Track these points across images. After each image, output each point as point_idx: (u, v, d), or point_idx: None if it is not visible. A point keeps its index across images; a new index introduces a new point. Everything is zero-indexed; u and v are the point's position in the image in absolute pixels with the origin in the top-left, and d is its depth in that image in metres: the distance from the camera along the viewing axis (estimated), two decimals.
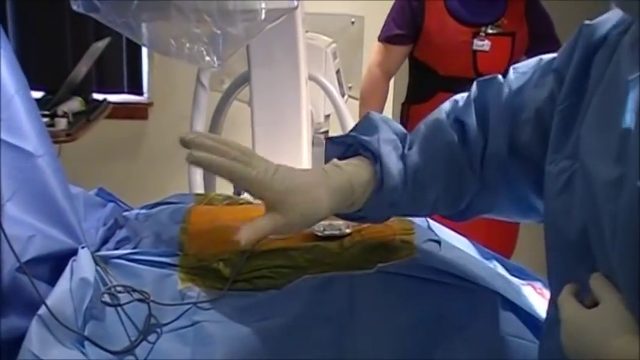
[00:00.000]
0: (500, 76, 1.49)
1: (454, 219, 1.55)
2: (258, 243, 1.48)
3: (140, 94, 4.59)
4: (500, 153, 1.45)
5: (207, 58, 1.31)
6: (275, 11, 1.39)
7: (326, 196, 1.38)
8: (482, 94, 1.50)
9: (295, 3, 1.44)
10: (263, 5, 1.35)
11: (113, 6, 1.31)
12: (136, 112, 4.52)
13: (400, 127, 1.54)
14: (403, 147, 1.50)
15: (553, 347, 1.22)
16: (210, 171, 1.37)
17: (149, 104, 4.58)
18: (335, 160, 1.46)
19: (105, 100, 4.14)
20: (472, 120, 1.48)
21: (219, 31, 1.30)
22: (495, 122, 1.47)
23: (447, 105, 1.54)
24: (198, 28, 1.30)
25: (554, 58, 1.40)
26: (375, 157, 1.45)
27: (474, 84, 1.52)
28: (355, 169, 1.44)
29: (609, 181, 1.11)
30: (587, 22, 1.31)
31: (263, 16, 1.35)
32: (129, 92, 4.54)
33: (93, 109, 3.90)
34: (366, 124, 1.52)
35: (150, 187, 1.83)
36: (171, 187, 2.12)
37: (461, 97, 1.54)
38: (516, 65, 1.49)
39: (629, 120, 1.09)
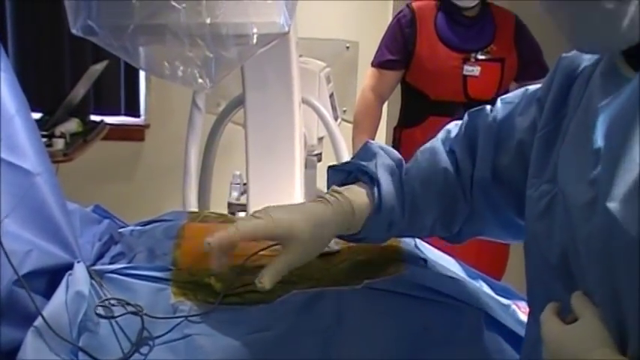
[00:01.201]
0: (488, 107, 1.54)
1: (450, 241, 1.60)
2: (248, 259, 1.51)
3: (137, 116, 4.60)
4: (485, 177, 1.50)
5: (200, 81, 1.33)
6: (266, 36, 1.40)
7: (329, 227, 1.45)
8: (472, 123, 1.55)
9: (286, 28, 1.45)
10: (255, 30, 1.37)
11: (111, 30, 1.33)
12: (133, 133, 4.53)
13: (397, 154, 1.58)
14: (400, 173, 1.55)
15: None
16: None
17: (146, 126, 4.59)
18: (335, 187, 1.51)
19: (102, 121, 4.15)
20: (462, 148, 1.53)
21: (211, 55, 1.32)
22: (482, 149, 1.51)
23: (441, 134, 1.59)
24: (191, 51, 1.31)
25: (538, 89, 1.43)
26: (372, 181, 1.50)
27: (466, 114, 1.56)
28: (354, 194, 1.49)
29: (584, 204, 1.14)
30: (565, 54, 1.35)
31: (255, 40, 1.37)
32: (126, 114, 4.54)
33: (90, 130, 3.91)
34: (364, 152, 1.57)
35: (145, 207, 1.84)
36: (167, 207, 2.12)
37: (454, 125, 1.58)
38: (504, 96, 1.53)
39: (598, 142, 1.13)
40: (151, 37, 1.34)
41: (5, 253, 1.29)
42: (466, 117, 1.57)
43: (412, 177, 1.55)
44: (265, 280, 1.36)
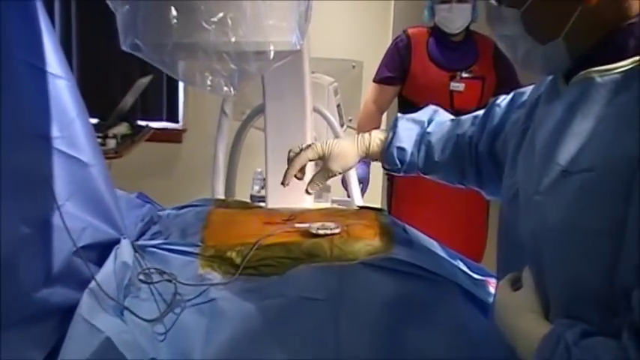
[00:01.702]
0: (502, 97, 1.59)
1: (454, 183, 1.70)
2: (264, 238, 1.55)
3: (176, 121, 4.60)
4: (484, 152, 1.56)
5: (225, 89, 1.34)
6: (281, 52, 1.40)
7: (352, 151, 1.67)
8: (489, 110, 1.59)
9: (298, 46, 1.46)
10: (272, 47, 1.37)
11: (153, 47, 1.33)
12: (172, 136, 4.52)
13: (432, 118, 1.72)
14: (423, 128, 1.69)
15: (496, 327, 1.24)
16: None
17: (183, 130, 4.59)
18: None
19: (147, 125, 4.15)
20: (478, 126, 1.60)
21: (235, 68, 1.32)
22: (486, 132, 1.56)
23: (468, 115, 1.67)
24: (218, 64, 1.32)
25: (526, 98, 1.45)
26: (393, 127, 1.66)
27: (486, 108, 1.62)
28: (375, 134, 1.70)
29: (526, 197, 1.16)
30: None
31: (272, 56, 1.37)
32: (167, 120, 4.55)
33: (137, 132, 3.92)
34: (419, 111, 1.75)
35: (180, 199, 1.86)
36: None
37: (475, 115, 1.65)
38: (517, 90, 1.55)
39: (535, 150, 1.15)
40: (185, 52, 1.34)
41: (67, 229, 1.30)
42: (488, 106, 1.62)
43: (433, 144, 1.65)
44: (313, 184, 1.67)
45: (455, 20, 3.51)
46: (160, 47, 1.32)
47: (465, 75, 3.52)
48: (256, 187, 3.15)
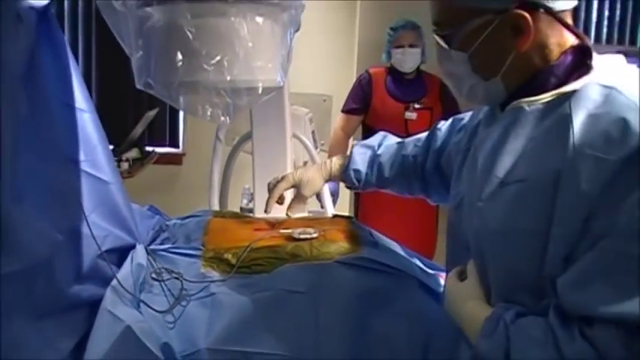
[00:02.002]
0: (442, 123, 1.62)
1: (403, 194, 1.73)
2: (255, 242, 1.55)
3: (177, 147, 4.57)
4: (431, 167, 1.58)
5: (222, 118, 1.35)
6: (268, 88, 1.41)
7: (318, 176, 1.71)
8: (431, 134, 1.63)
9: (282, 83, 1.47)
10: (260, 84, 1.38)
11: (162, 85, 1.34)
12: (174, 159, 4.49)
13: (381, 142, 1.75)
14: (375, 151, 1.70)
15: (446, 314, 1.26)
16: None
17: (183, 154, 4.55)
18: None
19: (153, 150, 4.14)
20: (422, 147, 1.63)
21: (230, 101, 1.33)
22: (431, 152, 1.59)
23: (410, 139, 1.71)
24: (217, 98, 1.33)
25: (466, 121, 1.49)
26: (350, 153, 1.72)
27: (428, 132, 1.66)
28: (336, 159, 1.73)
29: (469, 203, 1.18)
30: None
31: (260, 91, 1.38)
32: (169, 145, 4.54)
33: (145, 156, 3.91)
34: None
35: (181, 211, 1.86)
36: None
37: (422, 135, 1.68)
38: (455, 116, 1.59)
39: (479, 164, 1.18)
40: (189, 89, 1.35)
41: (93, 236, 1.31)
42: (427, 134, 1.66)
43: (383, 164, 1.68)
44: (292, 210, 1.72)
45: (408, 62, 3.56)
46: (168, 85, 1.33)
47: (417, 106, 3.58)
48: (245, 201, 3.15)
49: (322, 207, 2.64)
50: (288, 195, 1.78)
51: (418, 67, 3.63)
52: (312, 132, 3.04)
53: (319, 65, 4.39)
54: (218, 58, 1.31)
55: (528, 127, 1.10)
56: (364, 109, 3.64)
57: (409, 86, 3.63)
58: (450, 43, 1.16)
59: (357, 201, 3.73)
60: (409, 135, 3.56)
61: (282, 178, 1.72)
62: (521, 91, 1.14)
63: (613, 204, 0.94)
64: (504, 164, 1.10)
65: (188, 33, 1.29)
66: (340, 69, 4.43)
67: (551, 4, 1.09)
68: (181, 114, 4.51)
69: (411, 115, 3.56)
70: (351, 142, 3.82)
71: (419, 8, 3.98)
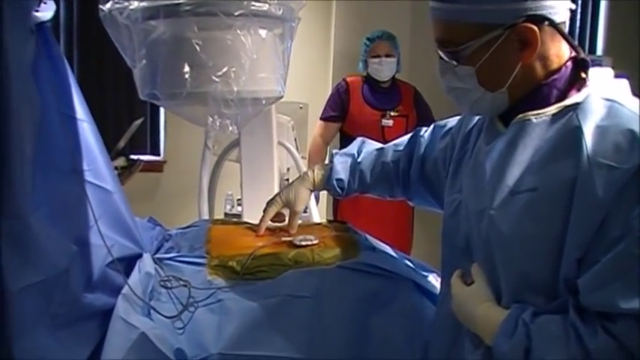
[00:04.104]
0: (424, 129, 1.61)
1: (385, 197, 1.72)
2: (258, 249, 1.54)
3: (158, 155, 4.52)
4: (415, 176, 1.57)
5: (230, 128, 1.34)
6: (270, 98, 1.42)
7: (304, 190, 1.68)
8: (413, 139, 1.62)
9: (282, 94, 1.47)
10: (264, 95, 1.38)
11: (169, 96, 1.33)
12: (155, 167, 4.44)
13: (361, 149, 1.72)
14: (355, 159, 1.69)
15: (444, 313, 1.29)
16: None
17: (164, 162, 4.51)
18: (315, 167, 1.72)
19: (139, 159, 4.10)
20: (404, 154, 1.62)
21: (238, 112, 1.33)
22: (415, 159, 1.59)
23: (391, 143, 1.70)
24: (225, 109, 1.32)
25: (450, 128, 1.49)
26: (330, 162, 1.68)
27: (408, 136, 1.65)
28: (318, 169, 1.70)
29: (478, 210, 1.19)
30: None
31: (264, 102, 1.38)
32: (150, 154, 4.49)
33: (131, 165, 3.86)
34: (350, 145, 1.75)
35: (162, 219, 1.84)
36: (178, 220, 2.12)
37: (400, 141, 1.67)
38: (437, 122, 1.59)
39: (487, 173, 1.19)
40: (197, 100, 1.34)
41: (106, 245, 1.30)
42: (410, 135, 1.65)
43: (364, 171, 1.67)
44: (292, 227, 1.67)
45: (384, 71, 3.58)
46: (175, 96, 1.32)
47: (392, 114, 3.60)
48: (228, 206, 3.13)
49: (306, 211, 2.64)
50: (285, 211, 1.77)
51: (393, 76, 3.64)
52: (295, 139, 3.04)
53: (296, 74, 4.37)
54: (225, 69, 1.31)
55: (536, 138, 1.13)
56: (342, 116, 3.65)
57: (385, 94, 3.65)
58: (458, 59, 1.16)
59: (335, 204, 3.74)
60: (386, 141, 3.60)
61: (271, 202, 1.70)
62: (524, 102, 1.16)
63: (627, 209, 0.99)
64: (514, 174, 1.13)
65: (195, 45, 1.28)
66: (316, 77, 4.44)
67: (553, 17, 1.11)
68: (162, 122, 4.47)
69: (388, 122, 3.59)
70: (329, 149, 3.82)
71: (393, 19, 4.06)
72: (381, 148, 1.72)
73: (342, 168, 1.69)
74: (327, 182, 1.69)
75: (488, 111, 1.23)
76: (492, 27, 1.11)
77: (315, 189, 1.72)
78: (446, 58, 1.18)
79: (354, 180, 1.68)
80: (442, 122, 1.57)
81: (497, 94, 1.17)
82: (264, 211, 1.70)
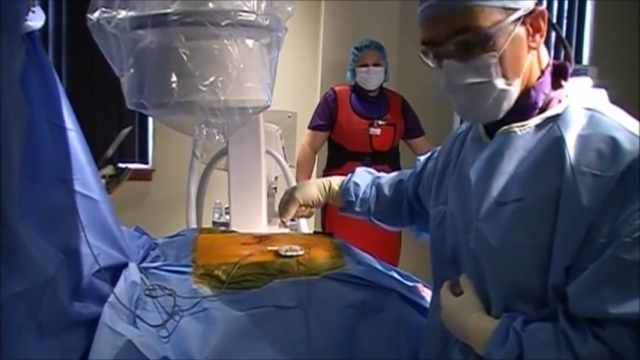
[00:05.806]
0: (422, 157, 1.60)
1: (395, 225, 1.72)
2: (243, 258, 1.54)
3: (146, 163, 4.49)
4: (412, 196, 1.58)
5: (217, 137, 1.34)
6: (257, 108, 1.42)
7: (317, 197, 1.69)
8: (415, 165, 1.62)
9: (269, 103, 1.47)
10: (250, 104, 1.38)
11: (156, 105, 1.33)
12: (144, 175, 4.42)
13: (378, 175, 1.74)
14: (374, 180, 1.69)
15: (435, 324, 1.28)
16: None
17: (152, 170, 4.49)
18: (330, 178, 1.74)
19: (127, 167, 4.09)
20: (412, 179, 1.61)
21: (225, 121, 1.33)
22: (411, 182, 1.60)
23: (405, 172, 1.69)
24: (212, 118, 1.32)
25: (438, 153, 1.48)
26: (349, 177, 1.68)
27: (415, 163, 1.63)
28: (336, 180, 1.71)
29: (463, 222, 1.20)
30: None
31: (250, 111, 1.39)
32: (139, 162, 4.47)
33: (120, 173, 3.84)
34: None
35: (149, 227, 1.82)
36: (167, 227, 2.11)
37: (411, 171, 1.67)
38: (434, 149, 1.57)
39: (472, 184, 1.19)
40: (185, 109, 1.34)
41: (93, 254, 1.29)
42: (415, 165, 1.64)
43: (382, 184, 1.67)
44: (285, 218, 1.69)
45: (372, 80, 3.60)
46: (162, 105, 1.32)
47: (380, 122, 3.61)
48: (216, 215, 3.12)
49: (294, 220, 2.63)
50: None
51: (381, 85, 3.66)
52: (283, 147, 3.04)
53: (284, 83, 4.38)
54: (212, 79, 1.31)
55: (520, 149, 1.14)
56: (330, 125, 3.65)
57: (373, 103, 3.66)
58: (481, 45, 1.11)
59: (324, 213, 3.73)
60: (374, 149, 3.60)
61: (289, 201, 1.70)
62: (511, 109, 1.16)
63: (612, 215, 1.00)
64: (499, 185, 1.13)
65: (183, 55, 1.28)
66: (305, 86, 4.45)
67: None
68: (151, 130, 4.45)
69: (376, 131, 3.59)
70: (317, 157, 3.83)
71: (381, 29, 4.08)
72: (402, 172, 1.72)
73: (362, 177, 1.70)
74: (345, 184, 1.69)
75: (507, 106, 1.16)
76: (514, 10, 1.11)
77: (329, 196, 1.71)
78: (464, 52, 1.12)
79: (370, 192, 1.68)
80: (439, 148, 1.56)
81: (516, 84, 1.14)
82: (285, 210, 1.70)
